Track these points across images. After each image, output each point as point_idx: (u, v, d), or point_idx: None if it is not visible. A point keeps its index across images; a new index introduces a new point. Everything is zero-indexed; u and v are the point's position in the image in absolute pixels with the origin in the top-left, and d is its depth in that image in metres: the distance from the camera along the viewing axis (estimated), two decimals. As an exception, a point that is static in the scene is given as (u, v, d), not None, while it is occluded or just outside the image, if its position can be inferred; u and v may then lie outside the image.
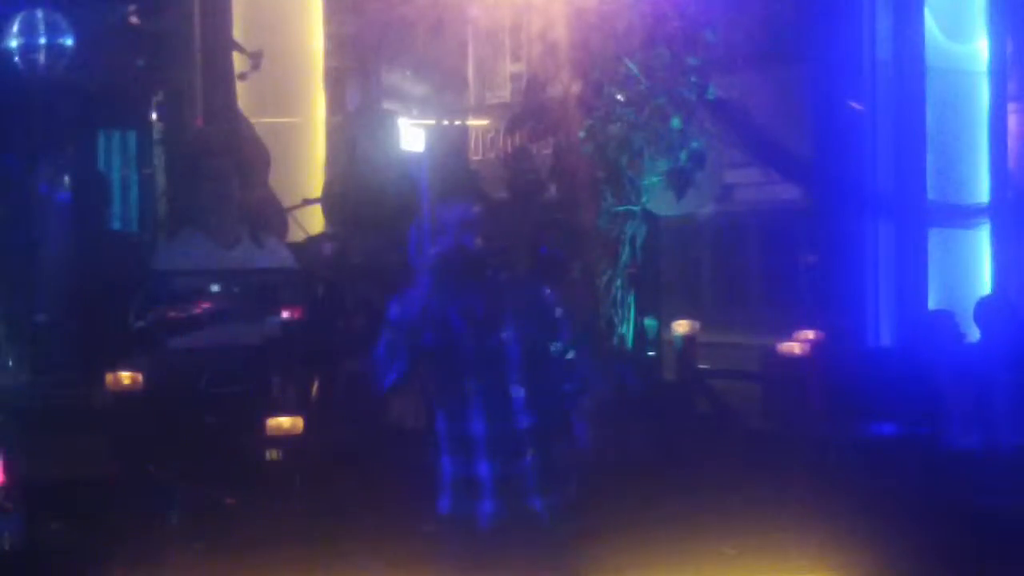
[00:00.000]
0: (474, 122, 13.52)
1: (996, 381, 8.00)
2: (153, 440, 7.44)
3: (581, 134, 9.98)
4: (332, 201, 11.06)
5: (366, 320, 9.43)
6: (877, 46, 10.82)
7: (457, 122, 12.91)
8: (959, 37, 11.07)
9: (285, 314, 9.02)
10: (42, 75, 9.90)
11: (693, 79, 9.71)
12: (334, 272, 9.42)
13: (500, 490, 4.51)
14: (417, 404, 7.96)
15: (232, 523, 6.95)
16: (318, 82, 12.58)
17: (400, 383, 4.58)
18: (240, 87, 11.28)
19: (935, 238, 10.93)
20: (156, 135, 11.28)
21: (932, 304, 10.70)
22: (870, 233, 10.86)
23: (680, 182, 9.76)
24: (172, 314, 7.52)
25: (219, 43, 11.10)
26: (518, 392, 4.53)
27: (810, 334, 9.13)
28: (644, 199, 9.86)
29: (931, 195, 10.95)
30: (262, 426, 7.22)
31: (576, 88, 10.16)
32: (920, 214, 10.89)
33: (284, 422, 7.21)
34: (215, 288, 8.20)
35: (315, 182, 11.95)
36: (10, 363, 9.86)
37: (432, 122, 12.41)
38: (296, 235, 10.27)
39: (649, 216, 9.92)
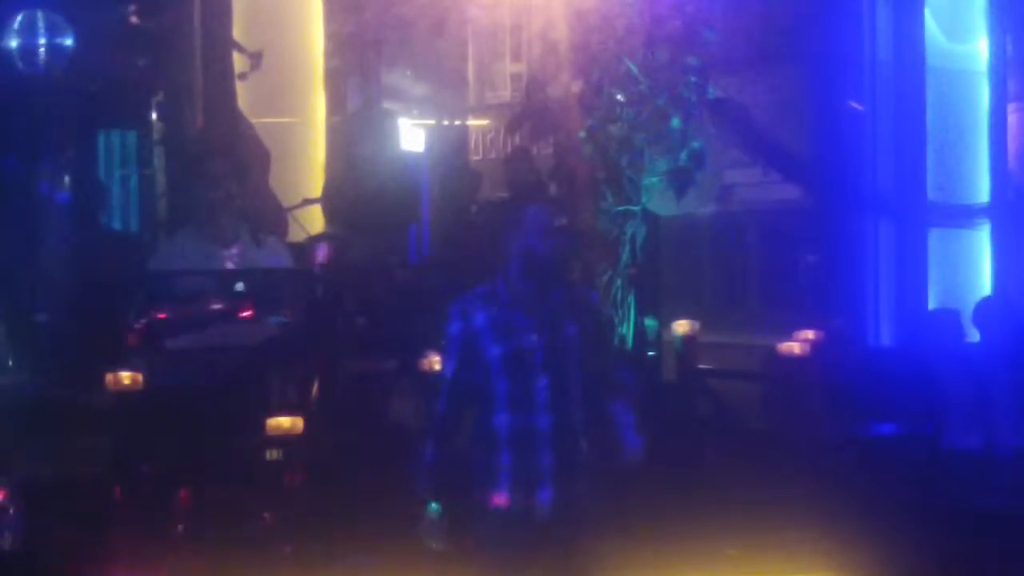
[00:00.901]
0: (474, 122, 13.52)
1: (996, 381, 8.01)
2: (153, 440, 7.43)
3: (581, 134, 9.99)
4: (332, 201, 11.06)
5: (366, 320, 9.43)
6: (877, 46, 10.81)
7: (457, 122, 12.91)
8: (959, 37, 11.07)
9: (285, 314, 9.01)
10: (42, 75, 9.90)
11: (693, 79, 9.72)
12: (334, 272, 9.40)
13: (558, 480, 4.69)
14: (417, 404, 7.96)
15: (232, 523, 6.94)
16: (318, 82, 12.58)
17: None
18: (240, 87, 11.28)
19: (935, 238, 10.93)
20: (156, 135, 11.28)
21: (932, 304, 10.70)
22: (870, 233, 10.85)
23: (680, 182, 9.77)
24: (172, 314, 7.51)
25: (219, 43, 11.09)
26: (576, 387, 4.68)
27: (810, 334, 9.13)
28: (644, 199, 9.86)
29: (931, 195, 10.95)
30: (262, 426, 7.21)
31: (576, 88, 10.16)
32: (920, 214, 10.89)
33: (284, 422, 7.21)
34: (215, 288, 8.18)
35: (315, 182, 11.95)
36: (10, 363, 9.86)
37: (432, 122, 12.41)
38: (296, 235, 10.26)
39: (649, 216, 9.92)
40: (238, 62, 11.33)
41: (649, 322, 9.92)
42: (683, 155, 9.72)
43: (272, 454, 7.16)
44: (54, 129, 10.20)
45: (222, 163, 7.90)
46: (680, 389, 9.33)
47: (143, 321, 7.50)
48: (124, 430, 7.58)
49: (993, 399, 8.01)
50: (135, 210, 11.53)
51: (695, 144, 9.73)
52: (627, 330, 9.82)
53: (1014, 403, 7.97)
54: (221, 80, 11.01)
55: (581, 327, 4.79)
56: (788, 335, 9.16)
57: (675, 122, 9.68)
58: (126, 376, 7.67)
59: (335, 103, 12.62)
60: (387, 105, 12.10)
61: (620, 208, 9.88)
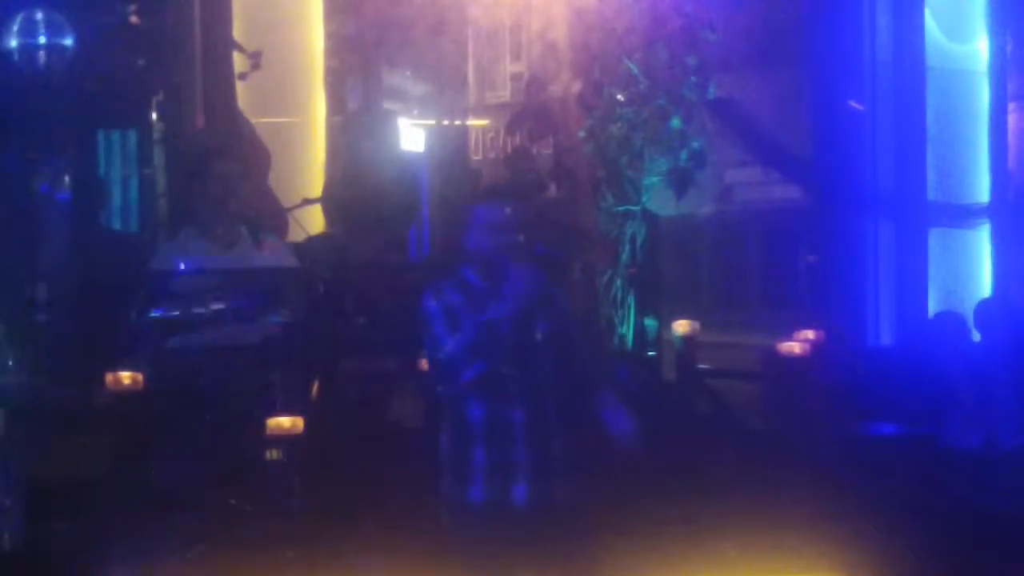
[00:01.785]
0: (474, 122, 13.52)
1: (996, 381, 8.00)
2: (153, 440, 7.43)
3: (581, 134, 9.99)
4: (332, 201, 11.05)
5: (366, 320, 9.43)
6: (877, 46, 10.81)
7: (457, 122, 12.91)
8: (959, 37, 11.07)
9: (285, 314, 9.01)
10: (42, 75, 9.90)
11: (693, 79, 9.73)
12: (334, 272, 9.41)
13: (533, 474, 4.65)
14: (417, 404, 7.97)
15: (232, 523, 6.94)
16: (318, 82, 12.58)
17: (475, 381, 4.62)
18: (240, 87, 11.28)
19: (935, 238, 10.93)
20: (156, 135, 11.27)
21: (932, 304, 10.70)
22: (870, 233, 10.85)
23: (680, 182, 9.77)
24: (172, 314, 7.50)
25: (219, 43, 11.09)
26: (551, 379, 4.67)
27: (810, 334, 9.13)
28: (644, 199, 9.86)
29: (931, 195, 10.95)
30: (262, 426, 7.21)
31: (576, 88, 10.18)
32: (920, 214, 10.89)
33: (284, 422, 7.21)
34: (215, 288, 8.18)
35: (315, 182, 11.94)
36: (10, 363, 9.85)
37: (432, 122, 12.40)
38: (296, 235, 10.26)
39: (649, 216, 9.93)
40: (238, 62, 11.33)
41: (649, 322, 9.92)
42: (683, 155, 9.72)
43: (272, 454, 7.16)
44: (54, 129, 10.20)
45: (222, 163, 7.89)
46: (680, 389, 9.33)
47: (143, 321, 7.49)
48: (124, 430, 7.58)
49: (993, 399, 8.00)
50: (135, 210, 11.53)
51: (695, 144, 9.74)
52: (627, 330, 9.82)
53: (1014, 403, 7.97)
54: (221, 80, 11.01)
55: (554, 320, 4.77)
56: (788, 335, 9.15)
57: (675, 122, 9.69)
58: (126, 376, 7.67)
59: (335, 103, 12.62)
60: (387, 105, 12.10)
61: (620, 208, 9.89)
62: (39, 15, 9.84)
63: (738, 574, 6.62)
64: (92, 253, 10.01)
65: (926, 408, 8.33)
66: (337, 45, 12.51)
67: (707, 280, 11.83)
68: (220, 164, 7.89)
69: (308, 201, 10.86)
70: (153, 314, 7.46)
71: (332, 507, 7.12)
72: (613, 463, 5.06)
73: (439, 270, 4.88)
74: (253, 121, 11.23)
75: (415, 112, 12.49)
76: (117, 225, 11.50)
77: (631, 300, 9.84)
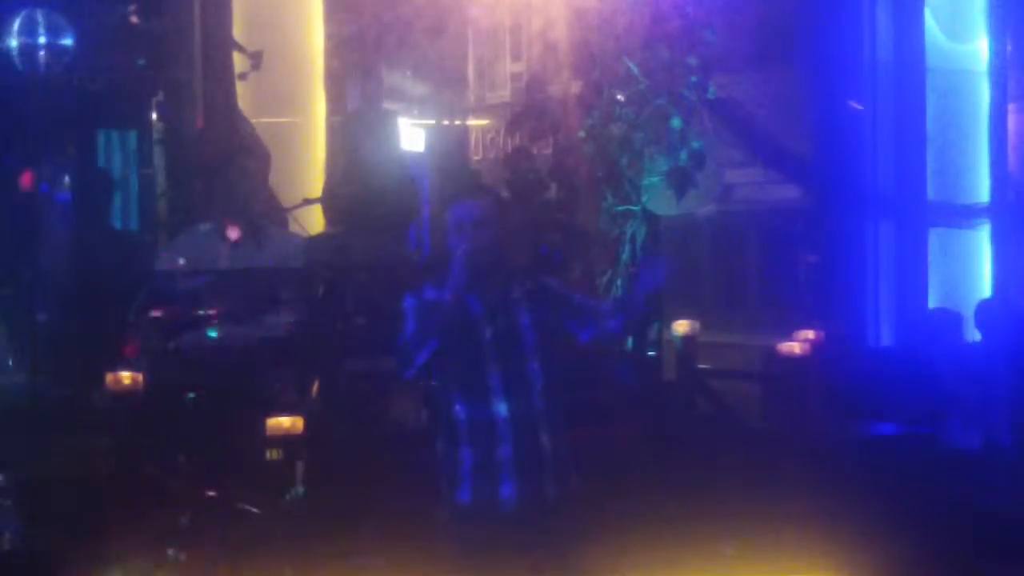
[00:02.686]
0: (474, 122, 13.52)
1: (996, 381, 8.00)
2: (153, 440, 7.44)
3: (581, 134, 9.98)
4: (332, 201, 11.06)
5: (366, 320, 9.44)
6: (877, 46, 10.81)
7: (457, 122, 12.91)
8: (959, 37, 11.06)
9: (285, 314, 9.02)
10: (42, 75, 9.90)
11: (693, 79, 9.71)
12: (335, 271, 9.42)
13: (520, 473, 4.62)
14: (417, 404, 7.98)
15: (233, 523, 6.94)
16: (318, 82, 12.59)
17: (430, 362, 4.63)
18: (240, 87, 11.29)
19: (935, 238, 10.93)
20: (156, 135, 11.28)
21: (932, 304, 10.69)
22: (870, 233, 10.85)
23: (680, 182, 9.76)
24: (172, 314, 7.52)
25: (219, 43, 11.10)
26: (536, 376, 4.67)
27: (810, 334, 9.13)
28: (644, 199, 9.86)
29: (931, 195, 10.94)
30: (262, 426, 7.21)
31: (576, 88, 10.17)
32: (920, 214, 10.88)
33: (284, 422, 7.21)
34: (215, 288, 8.19)
35: (315, 182, 11.95)
36: (10, 363, 9.86)
37: (432, 122, 12.40)
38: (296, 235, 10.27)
39: (649, 216, 9.92)
40: (238, 62, 11.34)
41: (649, 322, 9.91)
42: (683, 155, 9.71)
43: (272, 454, 7.16)
44: (54, 129, 10.20)
45: (222, 163, 7.90)
46: (680, 389, 9.33)
47: (143, 321, 7.50)
48: (124, 430, 7.58)
49: (993, 399, 8.00)
50: (135, 210, 11.54)
51: (695, 144, 9.73)
52: (627, 330, 9.81)
53: (1014, 403, 7.97)
54: (221, 80, 11.03)
55: (537, 315, 4.78)
56: (788, 335, 9.15)
57: (675, 122, 9.67)
58: (126, 376, 7.68)
59: (335, 103, 12.63)
60: (387, 105, 12.10)
61: (620, 208, 9.88)
62: (39, 15, 9.84)
63: (738, 574, 6.62)
64: (92, 253, 10.02)
65: (926, 408, 8.33)
66: (337, 45, 12.52)
67: (707, 280, 11.83)
68: (220, 164, 7.90)
69: (308, 201, 10.87)
70: (153, 314, 7.46)
71: (332, 507, 7.12)
72: (613, 460, 5.05)
73: (438, 270, 4.87)
74: (253, 121, 11.24)
75: (415, 112, 12.48)
76: (117, 225, 11.52)
77: (631, 300, 9.81)
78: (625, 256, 9.86)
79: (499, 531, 4.63)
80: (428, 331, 4.65)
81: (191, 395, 7.76)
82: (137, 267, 9.68)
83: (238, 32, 11.43)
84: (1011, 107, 10.86)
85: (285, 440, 7.18)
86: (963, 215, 10.95)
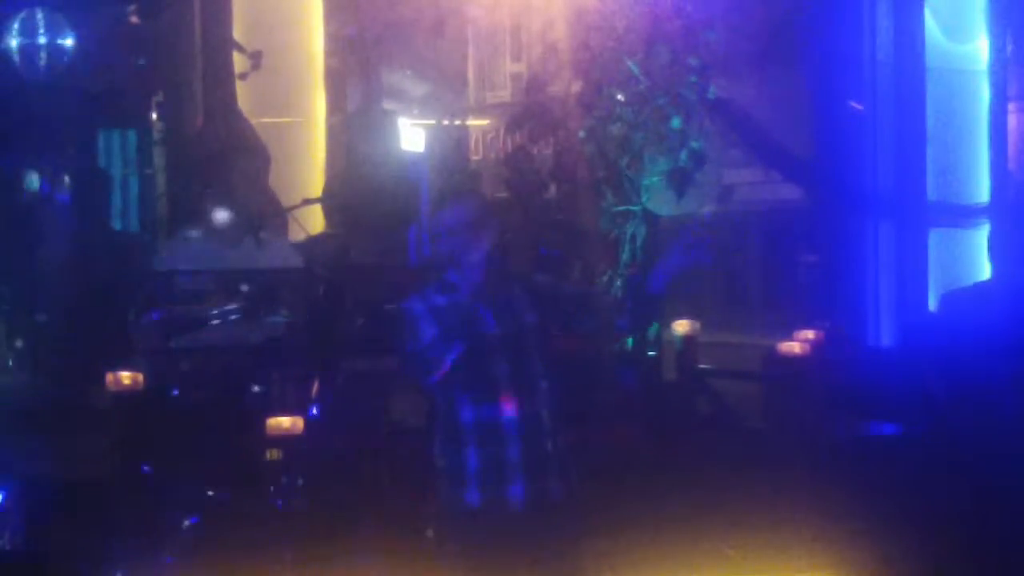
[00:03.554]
0: (474, 122, 13.52)
1: (996, 381, 7.98)
2: (153, 440, 7.44)
3: (581, 134, 9.98)
4: (332, 201, 11.07)
5: (366, 320, 9.43)
6: (877, 46, 10.81)
7: (457, 122, 12.91)
8: (959, 37, 11.06)
9: (285, 314, 9.01)
10: (42, 75, 9.91)
11: (693, 79, 9.72)
12: (334, 272, 9.42)
13: (527, 473, 4.63)
14: (416, 404, 7.97)
15: (232, 523, 6.94)
16: (318, 82, 12.59)
17: (454, 366, 4.62)
18: (240, 87, 11.29)
19: (935, 238, 10.93)
20: (156, 135, 11.29)
21: (932, 304, 10.69)
22: (870, 233, 10.84)
23: (680, 182, 9.76)
24: (172, 314, 7.52)
25: (219, 43, 11.11)
26: (541, 376, 4.68)
27: (810, 334, 9.12)
28: (644, 199, 9.86)
29: (931, 195, 10.94)
30: (262, 426, 7.21)
31: (576, 88, 10.16)
32: (920, 214, 10.88)
33: (284, 422, 7.21)
34: (215, 288, 8.20)
35: (315, 182, 11.96)
36: (10, 363, 9.87)
37: (432, 122, 12.41)
38: (296, 235, 10.27)
39: (649, 216, 9.92)
40: (238, 62, 11.34)
41: (649, 322, 9.91)
42: (683, 155, 9.72)
43: (272, 454, 7.16)
44: (54, 129, 10.21)
45: (222, 163, 7.91)
46: (680, 389, 9.33)
47: (143, 321, 7.50)
48: (124, 430, 7.58)
49: (992, 398, 7.98)
50: (135, 210, 11.55)
51: (695, 144, 9.73)
52: (627, 330, 9.81)
53: (1014, 403, 7.95)
54: (221, 80, 11.03)
55: (540, 316, 4.78)
56: (788, 335, 9.15)
57: (675, 122, 9.68)
58: (126, 376, 7.68)
59: (335, 103, 12.63)
60: (387, 105, 12.11)
61: (620, 208, 9.88)
62: (39, 15, 9.85)
63: (738, 574, 6.62)
64: (92, 253, 10.02)
65: (926, 408, 8.31)
66: (337, 45, 12.53)
67: (707, 280, 11.83)
68: (220, 164, 7.90)
69: (308, 201, 10.87)
70: (153, 314, 7.46)
71: (332, 507, 7.12)
72: (613, 460, 5.05)
73: (438, 270, 4.87)
74: (253, 121, 11.24)
75: (415, 112, 12.50)
76: (117, 225, 11.52)
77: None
78: (625, 256, 9.86)
79: (506, 531, 4.63)
80: (452, 335, 4.62)
81: (191, 395, 7.76)
82: (137, 267, 9.68)
83: (238, 32, 11.44)
84: (1011, 107, 10.86)
85: (285, 440, 7.18)
86: (963, 215, 10.94)
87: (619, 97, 9.75)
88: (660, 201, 9.94)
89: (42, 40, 9.88)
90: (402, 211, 10.79)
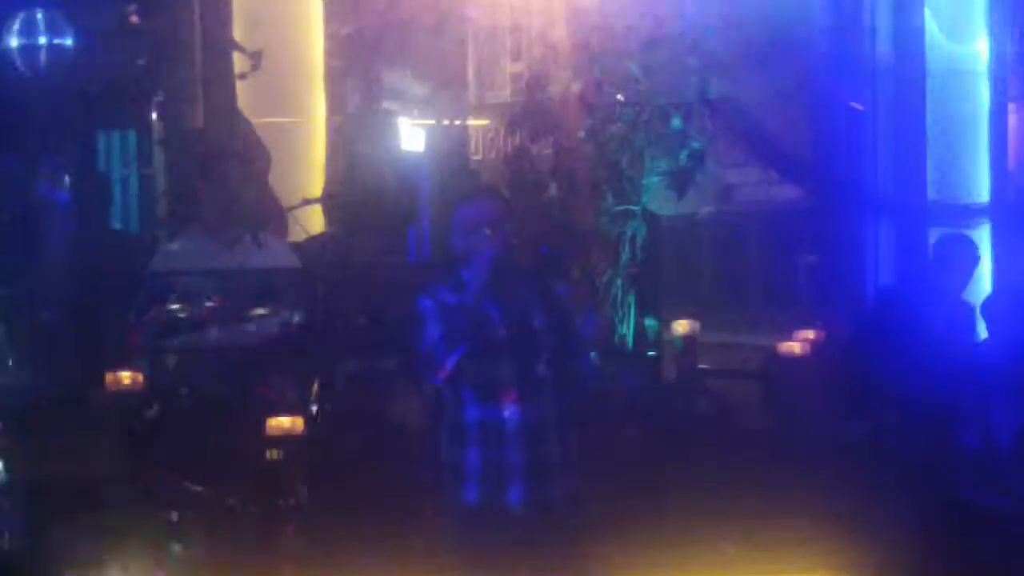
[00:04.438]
0: (474, 122, 13.52)
1: (997, 380, 7.98)
2: (153, 440, 7.44)
3: (581, 134, 9.99)
4: (332, 201, 11.07)
5: (366, 320, 9.44)
6: (877, 46, 10.81)
7: (457, 122, 12.92)
8: (959, 37, 11.06)
9: (285, 314, 9.02)
10: (42, 75, 9.91)
11: (693, 79, 9.72)
12: (334, 272, 9.42)
13: (528, 476, 4.62)
14: (418, 403, 7.97)
15: (232, 523, 6.94)
16: (318, 82, 12.59)
17: (460, 366, 4.61)
18: (240, 87, 11.29)
19: (935, 238, 10.92)
20: (156, 135, 11.29)
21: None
22: (870, 233, 10.85)
23: (680, 182, 9.77)
24: (172, 314, 7.52)
25: (219, 43, 11.11)
26: (546, 378, 4.66)
27: (810, 334, 9.12)
28: (644, 199, 9.86)
29: (931, 195, 10.94)
30: (262, 426, 7.21)
31: (576, 88, 10.17)
32: (920, 214, 10.88)
33: (284, 422, 7.21)
34: (215, 288, 8.20)
35: (315, 182, 11.96)
36: (10, 363, 9.87)
37: (432, 122, 12.41)
38: (296, 235, 10.28)
39: (649, 216, 9.92)
40: (238, 62, 11.34)
41: (649, 322, 9.92)
42: (683, 155, 9.72)
43: (272, 454, 7.16)
44: (54, 129, 10.21)
45: (222, 163, 7.91)
46: (680, 389, 9.33)
47: (143, 321, 7.51)
48: (124, 430, 7.58)
49: (993, 398, 7.98)
50: (135, 210, 11.55)
51: (695, 144, 9.74)
52: (627, 330, 9.82)
53: (1014, 402, 7.94)
54: (221, 80, 11.04)
55: (550, 319, 4.77)
56: (788, 335, 9.15)
57: (675, 122, 9.69)
58: (126, 376, 7.68)
59: (335, 103, 12.64)
60: (387, 105, 12.11)
61: (620, 208, 9.89)
62: (39, 15, 9.85)
63: (738, 574, 6.62)
64: (92, 253, 10.02)
65: (926, 407, 8.31)
66: (337, 45, 12.53)
67: (707, 280, 11.83)
68: (220, 164, 7.90)
69: (308, 201, 10.88)
70: (153, 314, 7.46)
71: (332, 507, 7.12)
72: (613, 460, 5.04)
73: (439, 270, 4.87)
74: (253, 121, 11.24)
75: (415, 112, 12.49)
76: (117, 225, 11.52)
77: (631, 300, 9.83)
78: (625, 256, 9.87)
79: (504, 532, 4.62)
80: (457, 335, 4.61)
81: (191, 395, 7.76)
82: (137, 267, 9.68)
83: (238, 32, 11.44)
84: (1011, 107, 10.85)
85: (285, 440, 7.18)
86: (963, 215, 10.94)
87: (619, 97, 9.76)
88: (660, 201, 9.95)
89: (42, 40, 9.89)
90: (402, 211, 10.80)
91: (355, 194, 10.87)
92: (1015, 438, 6.88)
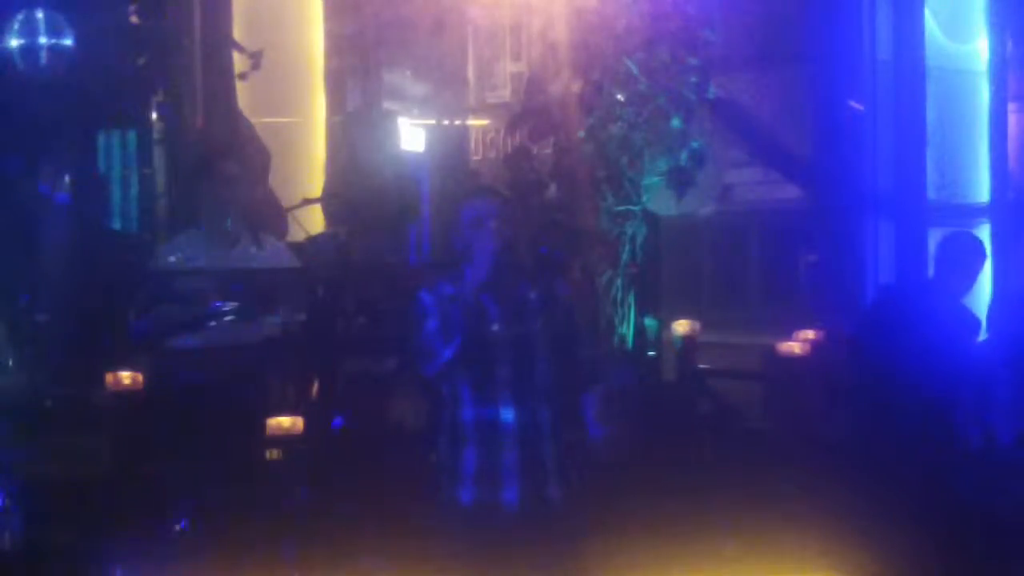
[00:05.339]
0: (474, 122, 13.52)
1: (997, 380, 7.99)
2: (153, 440, 7.43)
3: (581, 134, 9.99)
4: (332, 201, 11.06)
5: (366, 320, 9.44)
6: (877, 46, 10.81)
7: (457, 122, 12.91)
8: (959, 37, 11.07)
9: (285, 314, 8.99)
10: (42, 75, 9.90)
11: (693, 79, 9.72)
12: (334, 272, 9.41)
13: (524, 476, 4.62)
14: (418, 403, 7.97)
15: (232, 523, 6.94)
16: (318, 82, 12.59)
17: (453, 360, 4.61)
18: (240, 87, 11.29)
19: (935, 238, 10.92)
20: (156, 135, 11.28)
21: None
22: (870, 233, 10.85)
23: (680, 182, 9.77)
24: (172, 314, 7.50)
25: (219, 43, 11.10)
26: (544, 379, 4.67)
27: (810, 334, 9.12)
28: (644, 199, 9.86)
29: (931, 195, 10.95)
30: (262, 426, 7.21)
31: (576, 88, 10.16)
32: (920, 214, 10.88)
33: (284, 422, 7.21)
34: (215, 288, 8.18)
35: (315, 182, 11.95)
36: (10, 363, 9.86)
37: (432, 122, 12.41)
38: (296, 235, 10.26)
39: (649, 216, 9.93)
40: (238, 62, 11.34)
41: (649, 322, 9.92)
42: (683, 155, 9.72)
43: (272, 454, 7.16)
44: (54, 129, 10.20)
45: (222, 163, 7.90)
46: (680, 389, 9.33)
47: (143, 321, 7.49)
48: (124, 430, 7.58)
49: (994, 398, 7.99)
50: (135, 210, 11.54)
51: (695, 144, 9.74)
52: (627, 330, 9.82)
53: (1015, 402, 7.95)
54: (221, 80, 11.03)
55: (549, 319, 4.77)
56: (788, 335, 9.15)
57: (675, 122, 9.68)
58: (126, 376, 7.68)
59: (335, 103, 12.64)
60: (387, 105, 12.10)
61: (620, 208, 9.89)
62: (39, 15, 9.85)
63: (738, 574, 6.62)
64: (92, 253, 10.02)
65: (926, 407, 8.31)
66: (337, 45, 12.53)
67: (707, 280, 11.83)
68: (220, 164, 7.90)
69: (308, 201, 10.86)
70: (153, 314, 7.46)
71: (332, 507, 7.12)
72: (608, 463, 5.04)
73: (439, 269, 4.88)
74: (253, 121, 11.24)
75: (415, 112, 12.49)
76: (117, 225, 11.51)
77: (631, 300, 9.83)
78: (625, 256, 9.86)
79: (499, 533, 4.63)
80: (452, 327, 4.61)
81: (191, 395, 7.75)
82: (137, 267, 9.67)
83: (238, 32, 11.43)
84: (1011, 107, 10.86)
85: (285, 440, 7.18)
86: (963, 215, 10.94)
87: (619, 97, 9.76)
88: (660, 201, 9.95)
89: (42, 40, 9.89)
90: (402, 211, 10.79)
91: (355, 194, 10.86)
92: (1015, 438, 6.90)
